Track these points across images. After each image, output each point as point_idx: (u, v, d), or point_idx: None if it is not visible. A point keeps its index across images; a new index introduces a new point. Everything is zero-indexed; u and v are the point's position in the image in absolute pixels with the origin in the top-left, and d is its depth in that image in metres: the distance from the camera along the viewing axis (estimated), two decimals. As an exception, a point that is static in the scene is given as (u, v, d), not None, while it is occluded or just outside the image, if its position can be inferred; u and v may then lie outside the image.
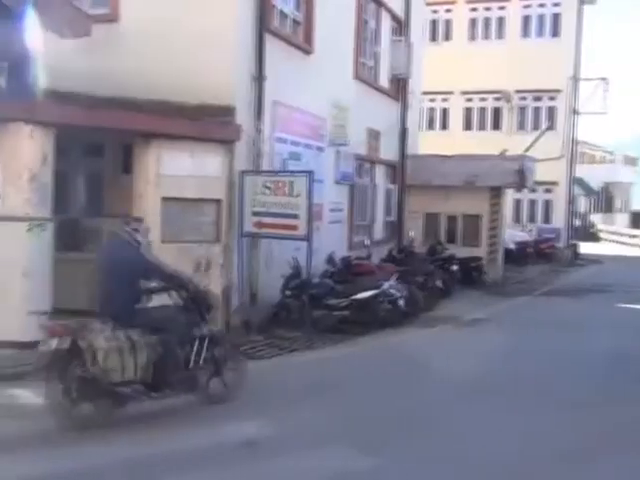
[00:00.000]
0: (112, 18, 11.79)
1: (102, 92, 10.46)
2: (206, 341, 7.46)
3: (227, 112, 11.20)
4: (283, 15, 13.27)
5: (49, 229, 9.60)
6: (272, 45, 12.19)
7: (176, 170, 10.67)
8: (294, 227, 11.22)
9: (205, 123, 10.99)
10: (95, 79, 10.81)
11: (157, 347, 7.00)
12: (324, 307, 12.06)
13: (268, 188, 11.40)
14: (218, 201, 11.19)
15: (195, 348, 7.36)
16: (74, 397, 6.63)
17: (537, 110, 29.60)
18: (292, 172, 12.23)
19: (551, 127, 28.33)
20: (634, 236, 41.43)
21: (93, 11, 11.66)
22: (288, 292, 11.97)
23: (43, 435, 6.45)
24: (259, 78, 11.84)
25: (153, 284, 7.46)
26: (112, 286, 7.06)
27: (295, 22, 13.71)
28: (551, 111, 29.23)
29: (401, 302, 12.83)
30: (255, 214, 11.50)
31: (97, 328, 6.79)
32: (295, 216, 11.18)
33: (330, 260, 13.61)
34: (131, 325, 6.94)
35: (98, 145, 11.93)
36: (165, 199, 10.63)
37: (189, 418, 7.19)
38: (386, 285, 12.73)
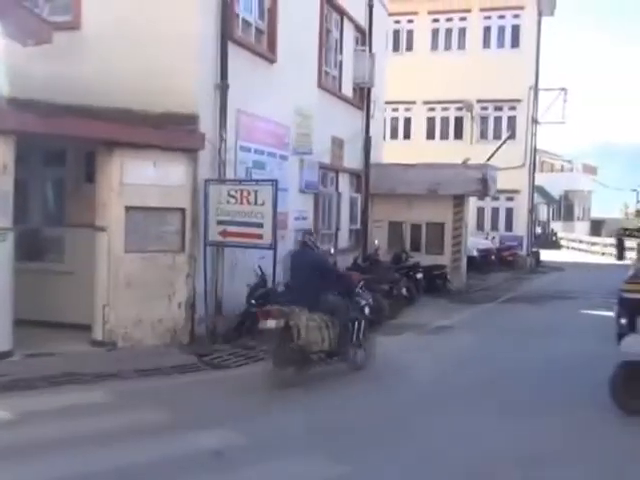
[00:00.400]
0: (74, 25, 11.64)
1: (63, 100, 10.31)
2: (363, 323, 9.90)
3: (190, 120, 11.13)
4: (247, 24, 13.24)
5: (10, 239, 9.45)
6: (235, 53, 12.16)
7: (140, 179, 10.58)
8: (259, 236, 11.16)
9: (168, 131, 10.90)
10: (56, 87, 10.65)
11: (337, 325, 9.26)
12: (290, 316, 12.07)
13: (233, 197, 11.33)
14: (182, 210, 11.10)
15: (355, 327, 9.71)
16: (282, 364, 8.67)
17: (498, 119, 29.95)
18: (257, 181, 12.19)
19: (512, 136, 28.69)
20: (594, 243, 42.22)
21: (54, 18, 11.50)
22: (253, 301, 11.87)
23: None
24: (222, 86, 11.78)
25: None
26: (303, 281, 9.37)
27: (259, 31, 13.68)
28: (512, 120, 29.58)
29: (366, 310, 12.82)
30: (220, 223, 11.43)
31: (298, 311, 8.87)
32: (260, 225, 11.12)
33: (295, 269, 13.56)
34: (317, 310, 9.15)
35: (60, 153, 11.75)
36: (129, 208, 10.53)
37: (150, 430, 7.11)
38: (352, 293, 12.76)
